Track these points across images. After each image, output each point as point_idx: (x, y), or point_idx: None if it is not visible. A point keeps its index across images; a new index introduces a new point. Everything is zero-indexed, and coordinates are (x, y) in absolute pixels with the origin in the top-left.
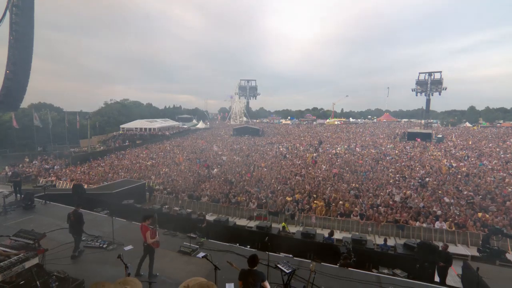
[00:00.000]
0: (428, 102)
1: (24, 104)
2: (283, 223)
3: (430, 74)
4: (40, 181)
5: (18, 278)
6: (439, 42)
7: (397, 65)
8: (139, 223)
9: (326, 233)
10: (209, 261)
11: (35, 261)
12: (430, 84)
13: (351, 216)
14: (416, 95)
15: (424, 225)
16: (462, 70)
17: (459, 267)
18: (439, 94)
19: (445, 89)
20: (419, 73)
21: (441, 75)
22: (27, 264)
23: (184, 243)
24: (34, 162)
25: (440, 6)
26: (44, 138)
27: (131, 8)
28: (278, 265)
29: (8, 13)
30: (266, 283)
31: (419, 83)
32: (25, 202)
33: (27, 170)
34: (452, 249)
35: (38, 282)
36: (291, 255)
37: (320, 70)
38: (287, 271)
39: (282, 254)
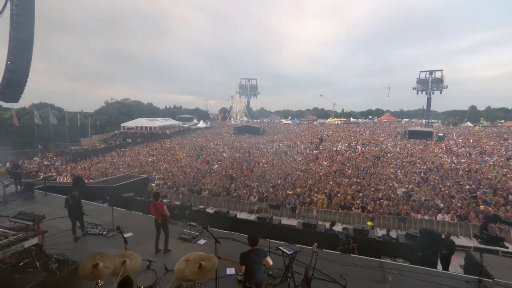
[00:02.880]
0: (429, 100)
1: (26, 103)
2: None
3: (431, 72)
4: (41, 177)
5: (18, 259)
6: (440, 43)
7: (398, 65)
8: (141, 213)
9: (327, 225)
10: (210, 233)
11: (34, 241)
12: (431, 83)
13: (352, 209)
14: (417, 93)
15: (426, 217)
16: (463, 70)
17: (462, 258)
18: (440, 93)
19: (446, 87)
20: (420, 71)
21: (442, 74)
22: (26, 244)
23: (185, 230)
24: (34, 158)
25: (441, 6)
26: (45, 136)
27: (132, 8)
28: (280, 247)
29: (8, 4)
30: (269, 259)
31: (420, 81)
32: (25, 193)
33: (27, 166)
34: (454, 240)
35: (37, 263)
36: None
37: (321, 70)
38: (288, 253)
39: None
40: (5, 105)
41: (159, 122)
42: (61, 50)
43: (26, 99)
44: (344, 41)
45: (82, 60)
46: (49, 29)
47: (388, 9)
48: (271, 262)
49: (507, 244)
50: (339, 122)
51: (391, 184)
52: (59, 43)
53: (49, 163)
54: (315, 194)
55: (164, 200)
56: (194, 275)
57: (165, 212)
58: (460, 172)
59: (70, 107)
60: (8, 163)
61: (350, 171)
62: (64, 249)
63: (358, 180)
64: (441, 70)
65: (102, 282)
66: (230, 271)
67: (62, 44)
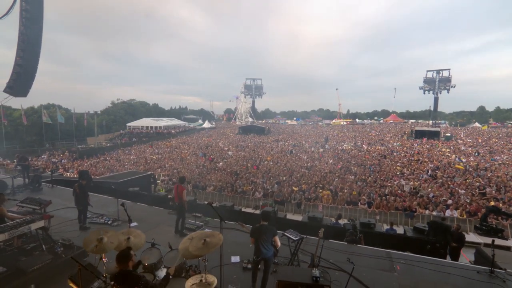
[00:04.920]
0: (436, 100)
1: (34, 103)
2: None
3: (438, 71)
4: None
5: (25, 243)
6: (448, 43)
7: (405, 66)
8: (144, 203)
9: (333, 220)
10: (213, 209)
11: (40, 223)
12: (438, 82)
13: (359, 204)
14: (424, 93)
15: (434, 213)
16: (471, 71)
17: (471, 255)
18: (448, 92)
19: (454, 86)
20: (427, 71)
21: (449, 73)
22: (33, 226)
23: (189, 221)
24: (42, 156)
25: (449, 6)
26: (52, 135)
27: (138, 10)
28: (285, 233)
29: (18, 0)
30: (277, 238)
31: (427, 81)
32: (32, 185)
33: (35, 163)
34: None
35: (44, 246)
36: None
37: (327, 71)
38: (294, 238)
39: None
40: (14, 105)
41: (164, 122)
42: (69, 52)
43: (35, 100)
44: (350, 41)
45: (89, 62)
46: (56, 31)
47: (395, 9)
48: (279, 243)
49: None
50: (344, 123)
51: (397, 182)
52: (67, 45)
53: (56, 160)
54: (320, 190)
55: (169, 196)
56: (199, 250)
57: (182, 196)
58: (470, 170)
59: (77, 108)
60: (15, 160)
61: (355, 168)
62: (70, 237)
63: (364, 177)
64: (449, 69)
65: (106, 259)
66: (235, 259)
67: (69, 46)
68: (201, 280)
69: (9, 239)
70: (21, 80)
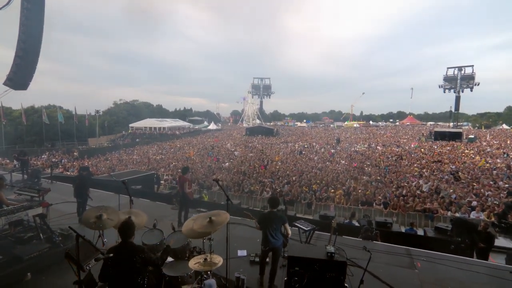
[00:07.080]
0: (457, 100)
1: (35, 103)
2: None
3: (460, 68)
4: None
5: (23, 233)
6: (471, 39)
7: (423, 65)
8: (148, 200)
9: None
10: (221, 187)
11: (38, 210)
12: (460, 80)
13: (374, 205)
14: (444, 91)
15: (457, 214)
16: (497, 68)
17: (502, 260)
18: (471, 91)
19: (478, 84)
20: (447, 68)
21: (472, 69)
22: (31, 213)
23: (194, 215)
24: (42, 156)
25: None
26: (53, 136)
27: (141, 9)
28: (296, 224)
29: None
30: (288, 226)
31: (447, 79)
32: (31, 180)
33: (35, 163)
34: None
35: (41, 235)
36: None
37: (339, 70)
38: (306, 229)
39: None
40: (15, 105)
41: (168, 122)
42: (70, 52)
43: (35, 100)
44: (364, 40)
45: (91, 61)
46: (58, 31)
47: (412, 4)
48: (289, 231)
49: None
50: (358, 125)
51: (415, 182)
52: (69, 45)
53: (56, 160)
54: (332, 190)
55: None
56: (204, 228)
57: (184, 188)
58: (495, 172)
59: (78, 109)
60: (14, 161)
61: (370, 169)
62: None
63: (379, 178)
64: (472, 66)
65: (106, 239)
66: (242, 252)
67: (71, 46)
68: (205, 259)
69: (5, 229)
70: (22, 72)
